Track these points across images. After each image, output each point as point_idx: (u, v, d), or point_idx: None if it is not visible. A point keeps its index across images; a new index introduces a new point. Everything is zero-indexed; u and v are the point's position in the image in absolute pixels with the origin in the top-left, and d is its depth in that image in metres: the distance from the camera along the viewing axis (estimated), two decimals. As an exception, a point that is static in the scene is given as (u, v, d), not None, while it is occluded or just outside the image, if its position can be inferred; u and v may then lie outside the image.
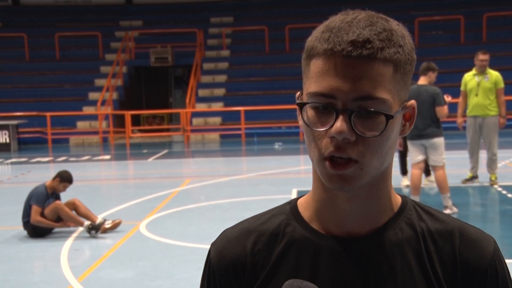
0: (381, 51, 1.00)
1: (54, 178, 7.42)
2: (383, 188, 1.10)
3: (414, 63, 1.08)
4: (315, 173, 1.11)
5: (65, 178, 7.40)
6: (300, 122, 1.08)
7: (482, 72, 9.08)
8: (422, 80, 7.49)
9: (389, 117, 1.01)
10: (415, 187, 7.45)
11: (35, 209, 7.16)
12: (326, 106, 1.01)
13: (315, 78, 1.03)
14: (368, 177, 1.04)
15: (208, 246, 1.21)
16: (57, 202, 7.34)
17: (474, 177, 9.53)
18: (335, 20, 1.04)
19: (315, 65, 1.03)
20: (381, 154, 1.03)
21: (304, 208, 1.15)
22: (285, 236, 1.13)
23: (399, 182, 9.37)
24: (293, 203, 1.18)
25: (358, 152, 1.01)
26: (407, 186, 9.23)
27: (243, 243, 1.15)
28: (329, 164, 1.02)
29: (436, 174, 7.43)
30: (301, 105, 1.05)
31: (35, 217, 7.13)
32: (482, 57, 9.03)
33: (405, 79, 1.06)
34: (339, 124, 0.99)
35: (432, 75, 7.50)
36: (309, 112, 1.04)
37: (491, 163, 9.33)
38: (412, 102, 1.10)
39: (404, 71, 1.05)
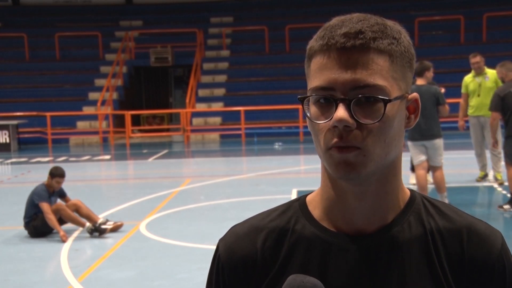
0: (374, 41, 1.03)
1: (48, 177, 7.42)
2: (392, 183, 1.11)
3: (413, 58, 1.10)
4: (324, 171, 1.13)
5: (55, 174, 7.38)
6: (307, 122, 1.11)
7: (480, 73, 9.19)
8: (420, 81, 7.46)
9: (386, 101, 1.03)
10: (422, 187, 7.44)
11: (45, 205, 7.13)
12: (327, 99, 1.04)
13: (315, 75, 1.06)
14: (373, 165, 1.05)
15: (208, 246, 1.21)
16: (59, 203, 7.35)
17: (486, 175, 9.66)
18: (331, 21, 1.09)
19: (314, 63, 1.07)
20: (384, 142, 1.05)
21: (314, 206, 1.16)
22: (295, 233, 1.14)
23: (407, 180, 9.35)
24: (301, 200, 1.19)
25: (360, 138, 1.03)
26: (414, 184, 9.24)
27: (253, 240, 1.15)
28: (335, 149, 1.03)
29: (435, 175, 7.47)
30: (303, 100, 1.08)
31: (48, 213, 7.08)
32: (472, 60, 9.26)
33: (404, 71, 1.08)
34: (339, 112, 1.01)
35: (428, 74, 7.48)
36: (312, 108, 1.07)
37: (496, 162, 9.38)
38: (415, 94, 1.12)
39: (402, 64, 1.07)
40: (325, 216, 1.13)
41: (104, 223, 7.29)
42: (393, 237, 1.10)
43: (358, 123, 1.02)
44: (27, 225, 7.26)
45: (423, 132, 7.33)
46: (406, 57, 1.08)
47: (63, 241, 7.00)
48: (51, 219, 7.10)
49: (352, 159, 1.03)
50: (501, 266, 1.11)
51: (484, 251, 1.10)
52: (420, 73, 7.45)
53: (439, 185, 7.44)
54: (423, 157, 7.47)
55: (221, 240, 1.19)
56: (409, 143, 7.58)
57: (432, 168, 7.51)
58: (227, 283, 1.16)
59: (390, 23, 1.08)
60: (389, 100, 1.03)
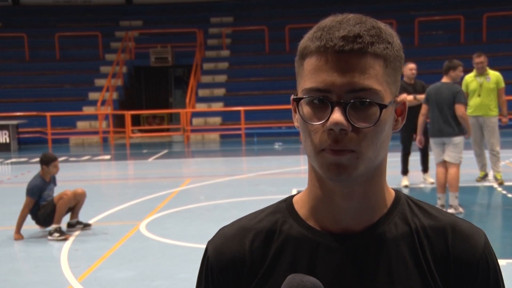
0: (371, 46, 1.04)
1: (42, 167, 7.46)
2: (378, 183, 1.13)
3: (402, 61, 1.12)
4: (311, 171, 1.13)
5: (48, 161, 7.44)
6: (296, 123, 1.12)
7: (482, 73, 9.17)
8: (445, 79, 7.56)
9: (382, 107, 1.04)
10: (440, 184, 7.52)
11: (28, 200, 7.24)
12: (322, 100, 1.04)
13: (309, 75, 1.07)
14: (363, 168, 1.06)
15: (208, 246, 1.21)
16: (66, 191, 7.39)
17: (486, 175, 9.68)
18: (326, 21, 1.09)
19: (309, 63, 1.08)
20: (376, 145, 1.06)
21: (300, 206, 1.17)
22: (282, 234, 1.15)
23: (399, 182, 9.36)
24: (288, 201, 1.19)
25: (354, 142, 1.04)
26: (406, 186, 9.23)
27: (241, 241, 1.16)
28: (329, 151, 1.04)
29: (449, 171, 7.46)
30: (298, 100, 1.08)
31: (23, 209, 7.21)
32: (477, 60, 9.21)
33: (395, 75, 1.10)
34: (335, 115, 1.02)
35: (453, 73, 7.51)
36: (304, 108, 1.07)
37: (495, 162, 9.39)
38: (402, 97, 1.14)
39: (394, 67, 1.08)
40: (311, 215, 1.14)
41: (74, 225, 7.50)
42: (380, 236, 1.12)
43: (353, 127, 1.03)
44: (35, 215, 7.33)
45: (441, 128, 7.41)
46: (398, 61, 1.10)
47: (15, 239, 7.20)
48: (23, 215, 7.21)
49: (345, 161, 1.04)
50: (485, 264, 1.13)
51: (468, 250, 1.12)
52: (446, 71, 7.55)
53: (452, 183, 7.43)
54: (443, 157, 7.52)
55: (209, 242, 1.20)
56: (431, 140, 7.65)
57: (448, 164, 7.49)
58: (216, 285, 1.17)
59: (382, 25, 1.09)
60: (385, 106, 1.04)
